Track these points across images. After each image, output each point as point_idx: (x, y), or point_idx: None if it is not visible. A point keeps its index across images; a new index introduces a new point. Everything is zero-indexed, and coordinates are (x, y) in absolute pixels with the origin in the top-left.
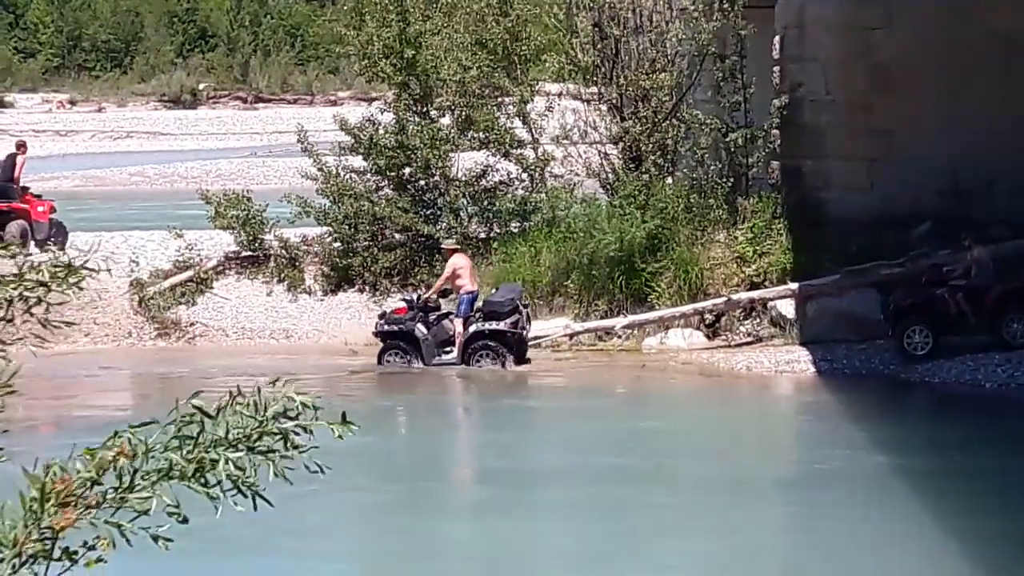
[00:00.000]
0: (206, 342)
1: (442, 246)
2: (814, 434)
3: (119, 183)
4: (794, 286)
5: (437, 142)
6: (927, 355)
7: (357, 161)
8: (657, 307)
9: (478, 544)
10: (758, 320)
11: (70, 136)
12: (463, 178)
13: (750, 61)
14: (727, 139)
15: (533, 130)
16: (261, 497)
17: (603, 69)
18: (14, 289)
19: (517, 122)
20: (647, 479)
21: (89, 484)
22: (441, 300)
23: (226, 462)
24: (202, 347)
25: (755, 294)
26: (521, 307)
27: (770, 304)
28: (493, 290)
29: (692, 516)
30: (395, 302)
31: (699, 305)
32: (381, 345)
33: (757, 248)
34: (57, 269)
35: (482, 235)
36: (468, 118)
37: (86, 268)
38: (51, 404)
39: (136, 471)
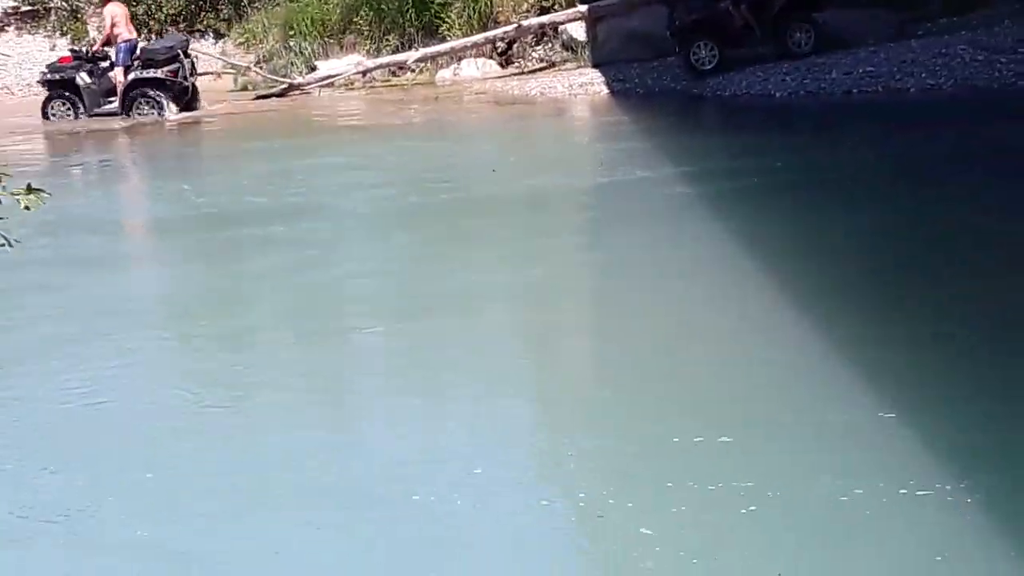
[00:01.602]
0: None
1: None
2: (609, 151)
3: None
4: (583, 8)
5: None
6: (714, 70)
7: None
8: (449, 38)
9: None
10: (550, 45)
11: None
12: None
13: None
14: None
15: None
16: None
17: None
18: None
19: None
20: (447, 206)
21: None
22: (109, 51)
23: None
24: None
25: (545, 19)
26: (183, 56)
27: (561, 28)
28: (154, 38)
29: (493, 230)
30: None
31: (490, 33)
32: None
33: None
34: None
35: None
36: None
37: None
38: None
39: None
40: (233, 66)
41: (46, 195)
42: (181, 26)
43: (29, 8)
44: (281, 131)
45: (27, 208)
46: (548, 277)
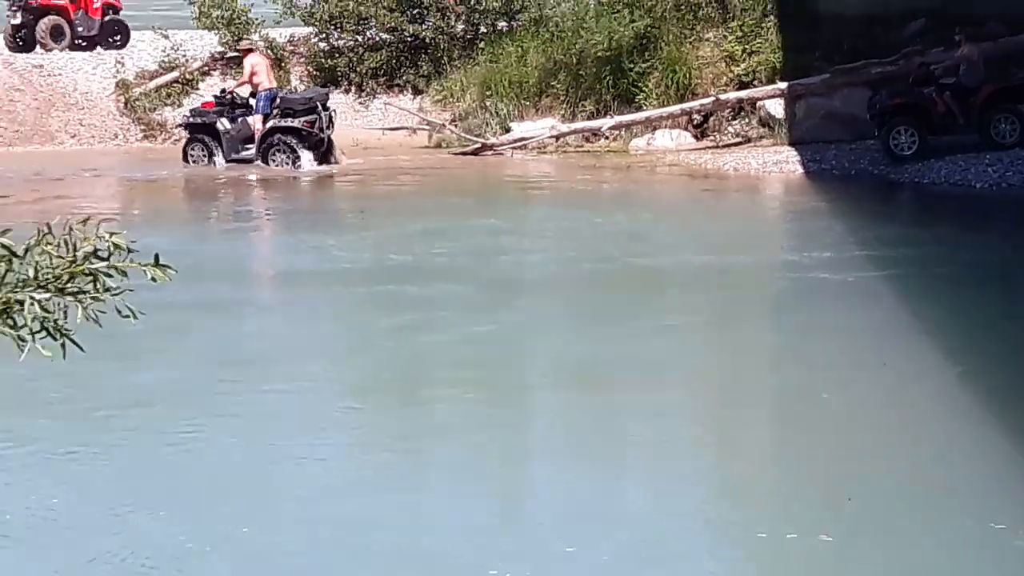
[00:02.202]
0: None
1: (238, 47)
2: (801, 233)
3: None
4: (783, 85)
5: None
6: (914, 155)
7: None
8: (645, 107)
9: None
10: (747, 120)
11: None
12: None
13: None
14: None
15: None
16: (71, 340)
17: None
18: None
19: None
20: (633, 277)
21: None
22: (251, 99)
23: (33, 303)
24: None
25: (744, 94)
26: (322, 108)
27: (759, 104)
28: (296, 88)
29: (678, 311)
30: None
31: (687, 105)
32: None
33: (747, 47)
34: None
35: (469, 35)
36: None
37: None
38: (35, 203)
39: None
40: (429, 123)
41: (172, 271)
42: (380, 81)
43: (234, 54)
44: (456, 190)
45: (153, 280)
46: (716, 357)
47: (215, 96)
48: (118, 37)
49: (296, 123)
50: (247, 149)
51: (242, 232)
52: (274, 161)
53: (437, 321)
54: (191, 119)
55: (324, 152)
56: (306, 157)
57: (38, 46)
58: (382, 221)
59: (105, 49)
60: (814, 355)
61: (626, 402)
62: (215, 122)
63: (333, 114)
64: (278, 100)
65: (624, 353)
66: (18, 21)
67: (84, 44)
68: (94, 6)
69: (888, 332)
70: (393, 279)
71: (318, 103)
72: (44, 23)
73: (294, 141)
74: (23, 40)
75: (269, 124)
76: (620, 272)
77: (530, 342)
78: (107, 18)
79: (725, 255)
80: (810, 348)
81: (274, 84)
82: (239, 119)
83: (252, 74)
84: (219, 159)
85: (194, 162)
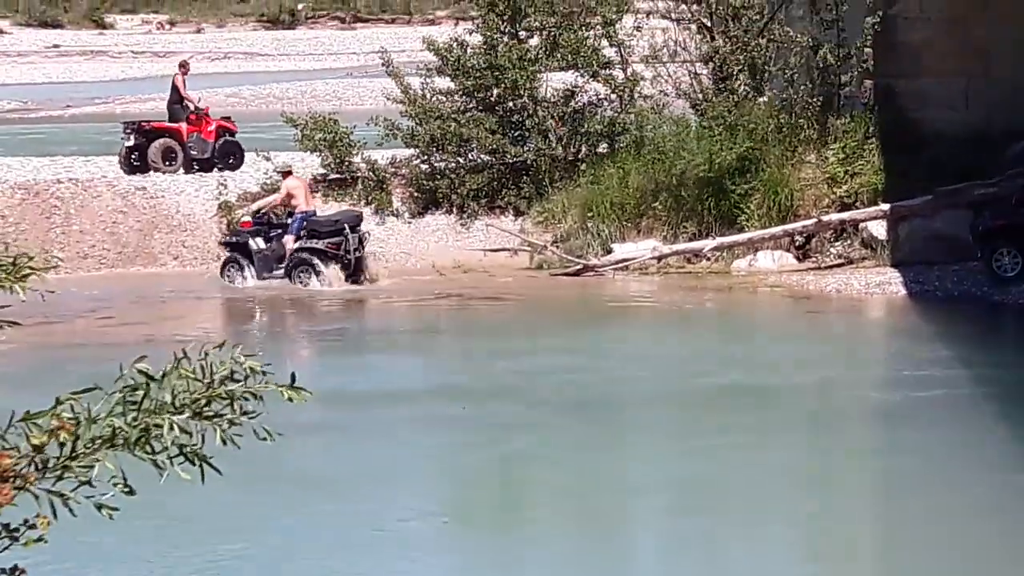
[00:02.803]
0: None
1: (278, 170)
2: (905, 357)
3: (215, 104)
4: (886, 207)
5: (525, 63)
6: (1017, 277)
7: (445, 82)
8: (746, 229)
9: (585, 477)
10: (849, 242)
11: (168, 57)
12: (551, 99)
13: None
14: (819, 57)
15: (622, 50)
16: (209, 464)
17: None
18: None
19: (606, 42)
20: (736, 400)
21: (31, 456)
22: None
23: (171, 428)
24: None
25: (846, 215)
26: (350, 230)
27: (861, 225)
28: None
29: (782, 438)
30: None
31: (789, 227)
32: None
33: (848, 169)
34: (4, 266)
35: (570, 157)
36: (556, 39)
37: (32, 267)
38: (139, 325)
39: (78, 438)
40: (530, 244)
41: (307, 393)
42: (482, 202)
43: (337, 176)
44: (556, 310)
45: (290, 400)
46: (821, 479)
47: (252, 215)
48: (232, 159)
49: (320, 244)
50: (279, 268)
51: (325, 352)
52: (298, 280)
53: (534, 446)
54: (227, 238)
55: (354, 271)
56: (331, 275)
57: (151, 169)
58: (464, 341)
59: (221, 171)
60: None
61: (726, 524)
62: (247, 241)
63: (366, 235)
64: (307, 220)
65: (720, 472)
66: (131, 143)
67: (198, 167)
68: (208, 129)
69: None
70: (474, 399)
71: (346, 225)
72: (156, 145)
73: (317, 260)
74: (137, 162)
75: (296, 244)
76: (718, 391)
77: (619, 462)
78: (221, 140)
79: (827, 375)
80: (919, 471)
81: (311, 207)
82: (274, 239)
83: (290, 196)
84: (249, 277)
85: (229, 280)
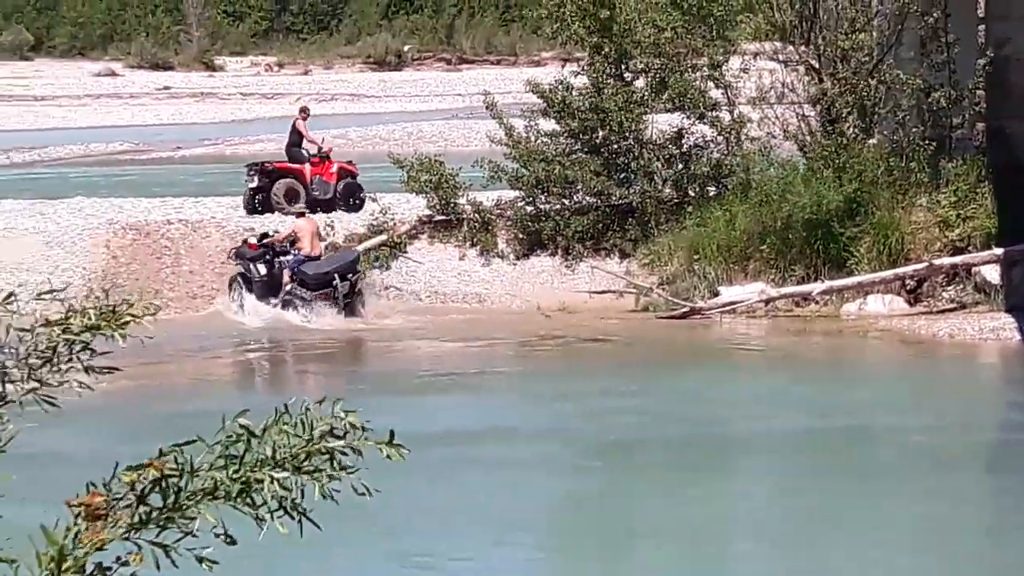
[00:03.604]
0: (399, 306)
1: (291, 211)
2: (1020, 405)
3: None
4: (999, 251)
5: (631, 105)
6: None
7: (551, 124)
8: (856, 272)
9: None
10: (961, 286)
11: (276, 99)
12: (657, 141)
13: (954, 19)
14: (930, 100)
15: (729, 92)
16: (308, 519)
17: (801, 29)
18: (60, 333)
19: (712, 84)
20: (846, 449)
21: (134, 503)
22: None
23: (272, 482)
24: (397, 309)
25: (958, 259)
26: (340, 279)
27: (974, 270)
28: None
29: (888, 483)
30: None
31: (900, 270)
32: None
33: (961, 212)
34: (104, 312)
35: (676, 199)
36: (663, 80)
37: (132, 314)
38: (237, 363)
39: (180, 490)
40: (636, 286)
41: (405, 451)
42: (587, 244)
43: (442, 218)
44: (664, 353)
45: (388, 457)
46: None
47: (258, 239)
48: (354, 201)
49: (307, 296)
50: (275, 297)
51: (430, 392)
52: (292, 312)
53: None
54: (235, 258)
55: (349, 305)
56: (326, 312)
57: (275, 209)
58: (567, 383)
59: (345, 212)
60: None
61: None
62: (249, 267)
63: (361, 277)
64: (297, 269)
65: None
66: (255, 184)
67: (320, 208)
68: (330, 171)
69: None
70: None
71: (335, 275)
72: (279, 186)
73: (309, 295)
74: (260, 205)
75: (289, 286)
76: (829, 435)
77: (729, 503)
78: (343, 183)
79: (937, 422)
80: None
81: (314, 251)
82: (276, 266)
83: (297, 238)
84: (248, 302)
85: (232, 300)
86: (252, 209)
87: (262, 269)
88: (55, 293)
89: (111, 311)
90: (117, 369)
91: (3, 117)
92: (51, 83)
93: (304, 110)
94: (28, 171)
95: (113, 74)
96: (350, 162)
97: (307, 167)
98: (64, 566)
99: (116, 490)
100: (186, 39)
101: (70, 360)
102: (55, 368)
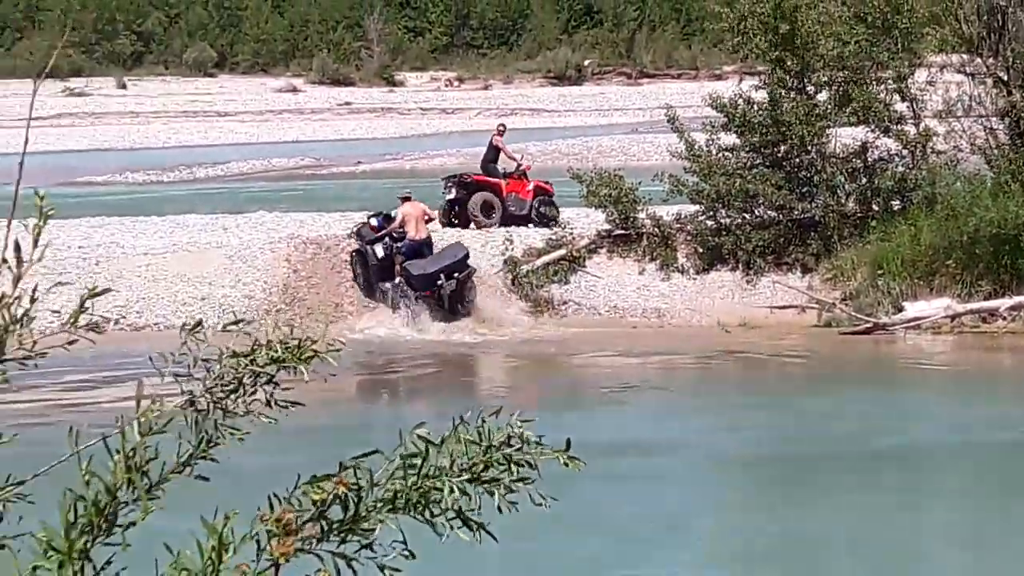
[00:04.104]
0: (577, 320)
1: (399, 195)
2: None
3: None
4: None
5: (812, 118)
6: None
7: (731, 138)
8: None
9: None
10: None
11: (456, 114)
12: (840, 155)
13: None
14: None
15: (914, 105)
16: (485, 531)
17: (989, 41)
18: (247, 365)
19: (897, 97)
20: None
21: (315, 516)
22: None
23: (451, 491)
24: (573, 325)
25: None
26: (445, 278)
27: None
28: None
29: None
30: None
31: None
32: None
33: None
34: (290, 347)
35: (860, 213)
36: (846, 94)
37: (315, 350)
38: (426, 379)
39: (360, 500)
40: (818, 302)
41: (581, 463)
42: (768, 259)
43: (621, 232)
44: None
45: (566, 465)
46: None
47: (379, 223)
48: (548, 220)
49: (412, 296)
50: (389, 281)
51: (609, 404)
52: (398, 310)
53: (838, 502)
54: (355, 237)
55: (454, 303)
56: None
57: (471, 222)
58: (749, 399)
59: (537, 227)
60: None
61: None
62: (367, 249)
63: (470, 274)
64: (406, 262)
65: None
66: (452, 196)
67: (512, 223)
68: (526, 188)
69: None
70: (761, 456)
71: (440, 275)
72: (476, 199)
73: (414, 300)
74: (456, 218)
75: (397, 280)
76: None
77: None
78: (537, 200)
79: None
80: None
81: (422, 235)
82: (391, 250)
83: (403, 222)
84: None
85: (354, 278)
86: (448, 222)
87: (379, 251)
88: (241, 324)
89: (296, 346)
90: (301, 404)
91: (187, 133)
92: (233, 99)
93: (501, 127)
94: (211, 186)
95: (294, 90)
96: (547, 182)
97: (504, 182)
98: (224, 557)
99: (298, 503)
100: (367, 55)
101: (255, 392)
102: (240, 399)
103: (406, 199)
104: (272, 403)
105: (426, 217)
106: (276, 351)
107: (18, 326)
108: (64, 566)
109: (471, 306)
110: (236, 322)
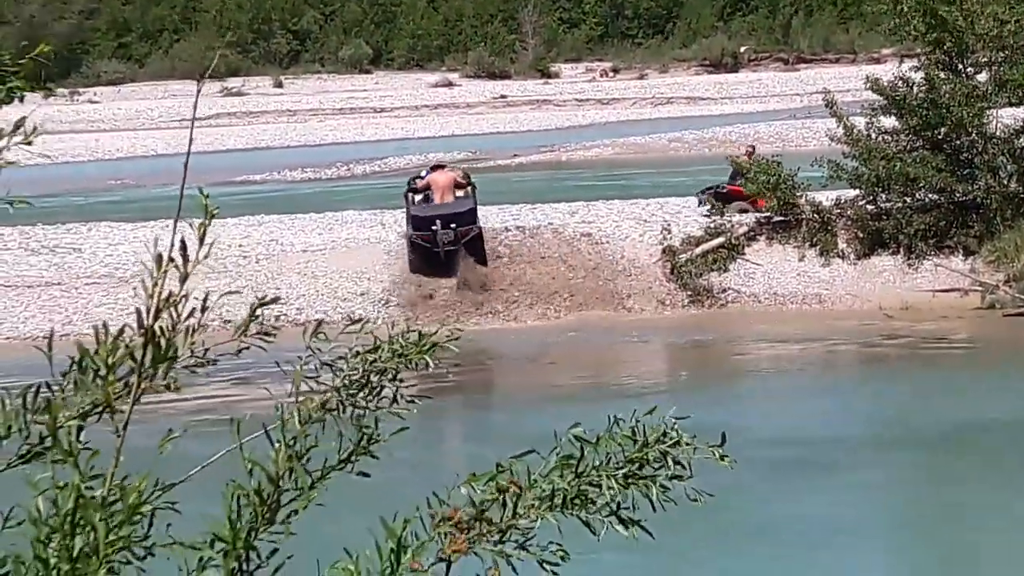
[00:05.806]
0: (737, 308)
1: (432, 165)
2: None
3: (657, 150)
4: None
5: (971, 100)
6: None
7: (891, 121)
8: None
9: None
10: None
11: (611, 104)
12: (1002, 135)
13: None
14: None
15: None
16: (642, 528)
17: None
18: (371, 363)
19: None
20: None
21: (477, 515)
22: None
23: (607, 488)
24: (734, 313)
25: None
26: (442, 225)
27: None
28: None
29: None
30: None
31: None
32: None
33: None
34: (414, 342)
35: (1022, 194)
36: (1005, 74)
37: (434, 341)
38: (584, 371)
39: (519, 497)
40: (981, 284)
41: (733, 461)
42: (930, 242)
43: (780, 219)
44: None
45: (722, 459)
46: None
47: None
48: None
49: (413, 235)
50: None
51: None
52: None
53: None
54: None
55: (447, 266)
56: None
57: None
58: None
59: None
60: None
61: None
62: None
63: (473, 233)
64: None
65: None
66: (707, 209)
67: None
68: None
69: None
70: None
71: (438, 220)
72: (731, 208)
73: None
74: None
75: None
76: None
77: None
78: None
79: None
80: None
81: (446, 201)
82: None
83: (427, 187)
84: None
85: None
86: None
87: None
88: (362, 324)
89: (416, 341)
90: (428, 397)
91: (344, 129)
92: (389, 95)
93: (751, 147)
94: (368, 182)
95: (450, 84)
96: None
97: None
98: (403, 559)
99: (454, 502)
100: (521, 47)
101: (382, 389)
102: (369, 397)
103: (437, 167)
104: (398, 398)
105: (456, 184)
106: (398, 347)
107: (191, 336)
108: (228, 556)
109: (473, 274)
110: (355, 322)
